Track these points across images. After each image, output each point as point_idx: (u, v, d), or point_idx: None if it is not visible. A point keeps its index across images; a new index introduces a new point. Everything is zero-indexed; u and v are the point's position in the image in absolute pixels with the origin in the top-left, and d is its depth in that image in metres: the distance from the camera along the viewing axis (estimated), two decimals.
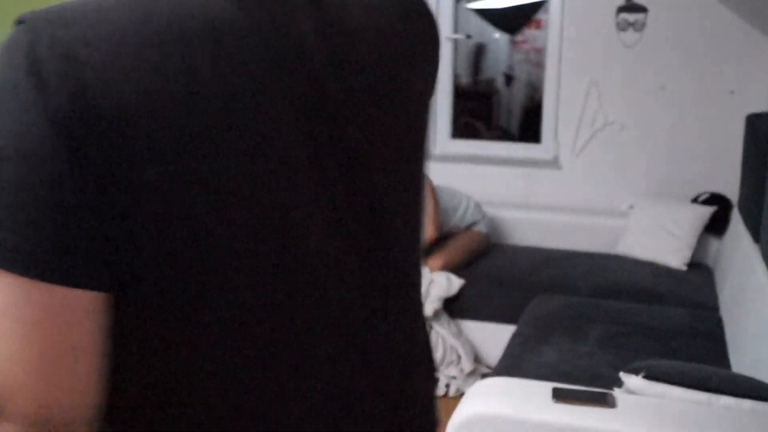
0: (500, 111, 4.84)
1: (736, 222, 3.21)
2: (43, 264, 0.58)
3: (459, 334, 3.39)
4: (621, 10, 3.82)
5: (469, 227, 3.67)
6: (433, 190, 3.46)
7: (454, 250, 3.54)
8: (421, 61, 0.80)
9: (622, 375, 1.87)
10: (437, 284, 3.36)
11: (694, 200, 3.77)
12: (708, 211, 3.59)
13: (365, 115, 0.74)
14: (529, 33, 4.51)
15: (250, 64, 0.65)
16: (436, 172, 4.16)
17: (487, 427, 1.75)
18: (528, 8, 4.30)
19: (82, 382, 0.62)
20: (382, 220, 0.78)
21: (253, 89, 0.65)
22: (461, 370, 3.28)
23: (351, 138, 0.73)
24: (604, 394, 1.77)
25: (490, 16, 4.42)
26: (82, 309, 0.61)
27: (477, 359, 3.39)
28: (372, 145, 0.75)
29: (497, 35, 4.57)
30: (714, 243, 3.63)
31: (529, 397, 1.80)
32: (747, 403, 1.74)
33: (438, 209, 3.44)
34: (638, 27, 3.82)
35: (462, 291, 3.40)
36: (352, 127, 0.73)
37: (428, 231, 3.39)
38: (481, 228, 3.69)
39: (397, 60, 0.77)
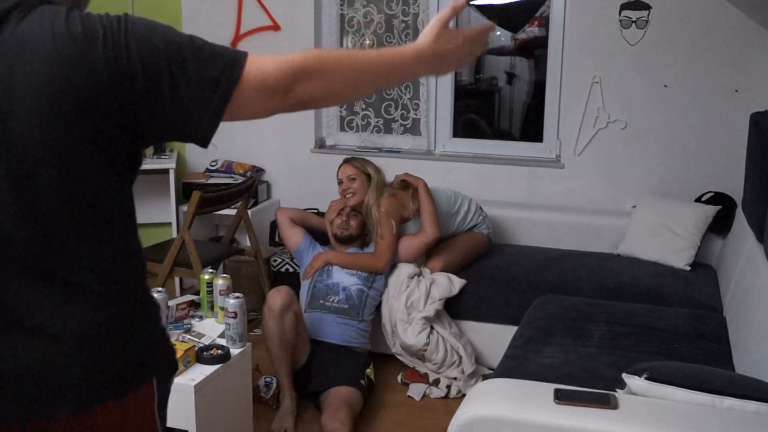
0: (502, 110, 4.82)
1: (740, 221, 3.19)
2: None
3: (460, 335, 3.37)
4: (624, 7, 3.80)
5: (470, 230, 3.65)
6: (430, 192, 3.44)
7: (455, 251, 3.51)
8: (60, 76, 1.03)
9: (624, 376, 1.85)
10: (438, 285, 3.34)
11: (698, 199, 3.75)
12: (712, 210, 3.56)
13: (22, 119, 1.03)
14: (531, 30, 4.49)
15: None
16: (437, 172, 4.15)
17: (488, 428, 1.74)
18: (530, 5, 4.28)
19: None
20: None
21: None
22: (462, 372, 3.26)
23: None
24: (607, 396, 1.75)
25: (492, 13, 4.40)
26: None
27: (478, 360, 3.37)
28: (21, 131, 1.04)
29: (499, 33, 4.55)
30: (718, 243, 3.61)
31: (530, 399, 1.79)
32: (751, 405, 1.72)
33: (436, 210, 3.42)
34: (641, 24, 3.80)
35: (463, 291, 3.38)
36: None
37: (430, 232, 3.37)
38: (482, 230, 3.67)
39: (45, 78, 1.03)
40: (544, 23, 4.15)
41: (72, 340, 1.10)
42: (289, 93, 1.11)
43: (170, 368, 1.28)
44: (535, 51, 4.34)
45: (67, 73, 1.02)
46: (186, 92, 1.07)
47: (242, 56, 1.10)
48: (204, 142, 1.12)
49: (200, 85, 1.07)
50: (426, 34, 1.23)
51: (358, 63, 1.18)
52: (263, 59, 1.11)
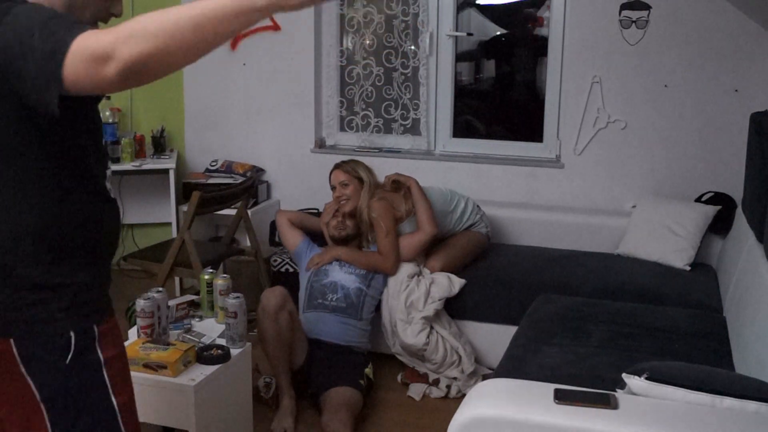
0: (502, 109, 4.82)
1: (740, 221, 3.19)
2: None
3: (460, 334, 3.37)
4: (624, 7, 3.80)
5: (468, 229, 3.65)
6: (422, 190, 3.45)
7: (454, 251, 3.51)
8: None
9: (624, 376, 1.85)
10: (438, 284, 3.34)
11: (698, 199, 3.75)
12: (712, 210, 3.56)
13: None
14: (533, 30, 4.49)
15: None
16: (437, 172, 4.15)
17: (488, 428, 1.74)
18: (530, 5, 4.28)
19: None
20: None
21: None
22: (462, 372, 3.26)
23: None
24: (607, 396, 1.75)
25: (492, 13, 4.41)
26: None
27: (478, 360, 3.37)
28: None
29: (499, 33, 4.55)
30: (718, 243, 3.61)
31: (530, 399, 1.79)
32: (751, 405, 1.71)
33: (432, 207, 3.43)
34: (641, 24, 3.80)
35: (463, 291, 3.38)
36: None
37: (428, 228, 3.37)
38: (480, 229, 3.67)
39: None
40: (545, 23, 4.15)
41: None
42: (114, 57, 1.15)
43: (38, 333, 1.37)
44: (535, 51, 4.34)
45: None
46: (32, 65, 1.21)
47: (77, 30, 1.19)
48: (49, 108, 1.22)
49: (39, 57, 1.20)
50: None
51: (176, 14, 1.16)
52: (97, 31, 1.19)
